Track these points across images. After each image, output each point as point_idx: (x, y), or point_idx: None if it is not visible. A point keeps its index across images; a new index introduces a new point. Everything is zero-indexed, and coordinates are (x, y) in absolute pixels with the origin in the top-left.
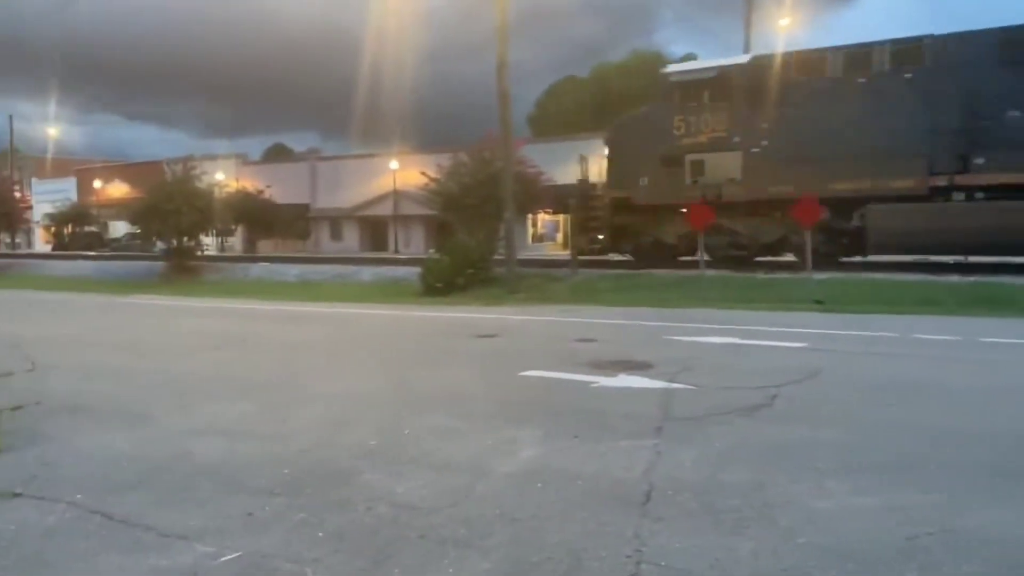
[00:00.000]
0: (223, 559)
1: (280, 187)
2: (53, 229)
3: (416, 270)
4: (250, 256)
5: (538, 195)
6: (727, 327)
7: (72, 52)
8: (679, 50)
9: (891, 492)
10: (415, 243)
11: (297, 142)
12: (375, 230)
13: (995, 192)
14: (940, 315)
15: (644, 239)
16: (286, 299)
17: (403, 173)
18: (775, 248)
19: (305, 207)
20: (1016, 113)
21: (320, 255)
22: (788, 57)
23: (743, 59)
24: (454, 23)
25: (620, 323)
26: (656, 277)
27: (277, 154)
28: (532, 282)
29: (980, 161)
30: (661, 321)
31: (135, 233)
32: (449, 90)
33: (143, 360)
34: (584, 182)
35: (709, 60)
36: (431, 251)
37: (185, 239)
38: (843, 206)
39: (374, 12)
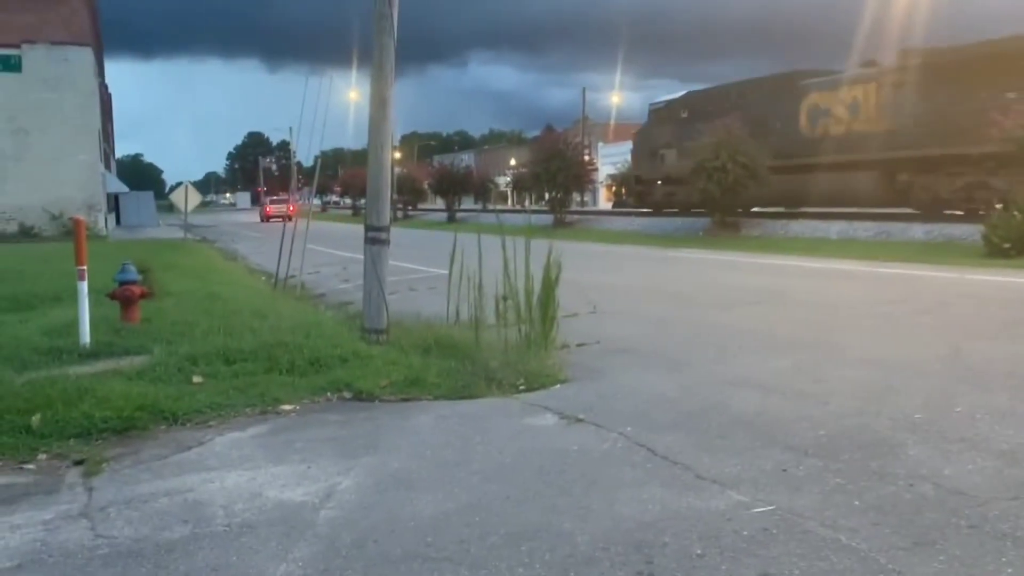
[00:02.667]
0: (756, 510)
1: None
2: (613, 188)
3: (979, 228)
4: (790, 212)
5: None
6: None
7: (635, 23)
8: None
9: None
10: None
11: None
12: None
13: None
14: None
15: (649, 199)
16: (826, 256)
17: None
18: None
19: None
20: None
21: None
22: (701, 93)
23: (679, 95)
24: None
25: None
26: None
27: None
28: None
29: None
30: None
31: None
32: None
33: (684, 310)
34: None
35: (672, 94)
36: (998, 205)
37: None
38: None
39: None
